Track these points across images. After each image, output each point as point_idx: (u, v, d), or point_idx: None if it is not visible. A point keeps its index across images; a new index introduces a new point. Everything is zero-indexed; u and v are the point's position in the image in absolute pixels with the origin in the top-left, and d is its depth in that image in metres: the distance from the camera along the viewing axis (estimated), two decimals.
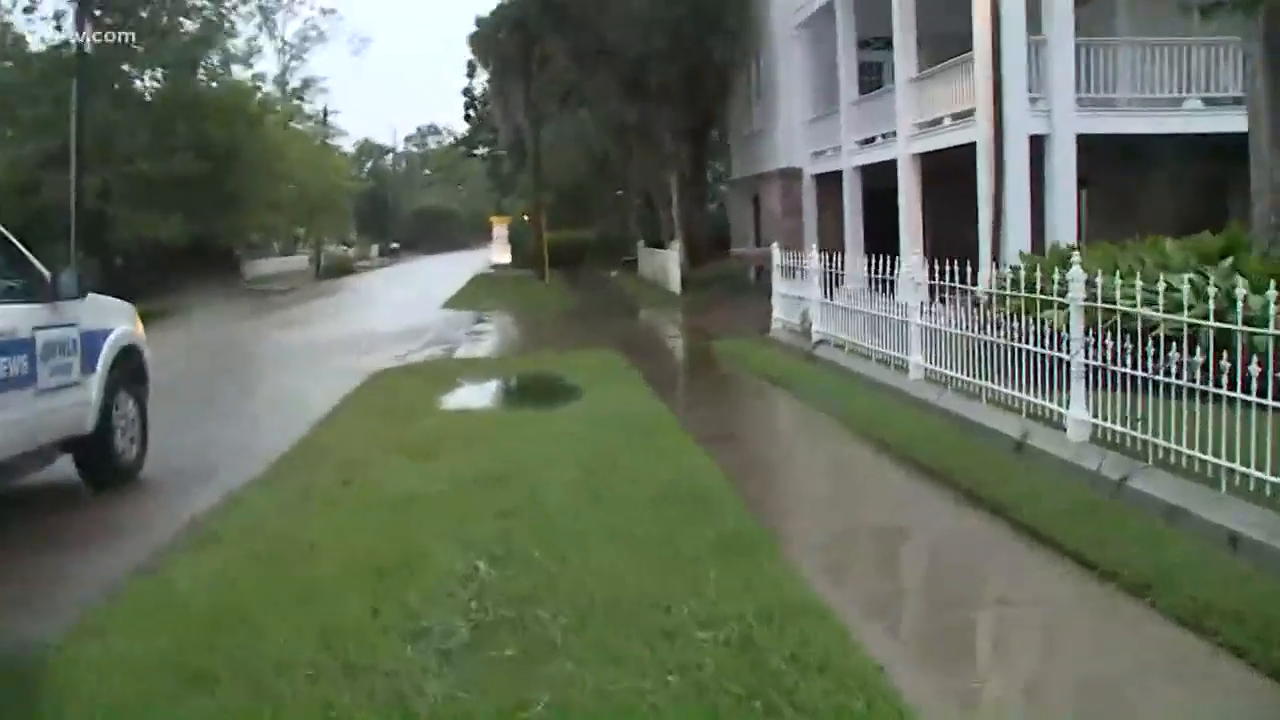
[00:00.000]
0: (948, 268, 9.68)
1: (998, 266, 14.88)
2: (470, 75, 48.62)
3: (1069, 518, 6.06)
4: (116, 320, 7.89)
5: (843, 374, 11.68)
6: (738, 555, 5.49)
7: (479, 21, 35.22)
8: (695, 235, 30.46)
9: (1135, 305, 7.04)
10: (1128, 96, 16.04)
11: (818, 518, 6.83)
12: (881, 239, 21.17)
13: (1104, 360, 7.13)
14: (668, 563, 5.38)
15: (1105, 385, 7.29)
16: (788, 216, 25.79)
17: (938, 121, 17.75)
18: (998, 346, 8.62)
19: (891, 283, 11.72)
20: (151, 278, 28.26)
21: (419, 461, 8.13)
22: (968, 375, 9.08)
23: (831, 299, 13.18)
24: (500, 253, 42.94)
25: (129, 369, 7.95)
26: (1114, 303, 7.29)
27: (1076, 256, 10.89)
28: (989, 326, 8.78)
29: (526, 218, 45.25)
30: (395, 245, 76.87)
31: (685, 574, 5.19)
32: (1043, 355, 7.92)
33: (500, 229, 43.49)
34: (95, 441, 7.43)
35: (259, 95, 38.23)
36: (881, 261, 11.71)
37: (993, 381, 8.62)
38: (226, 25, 34.63)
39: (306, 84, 50.27)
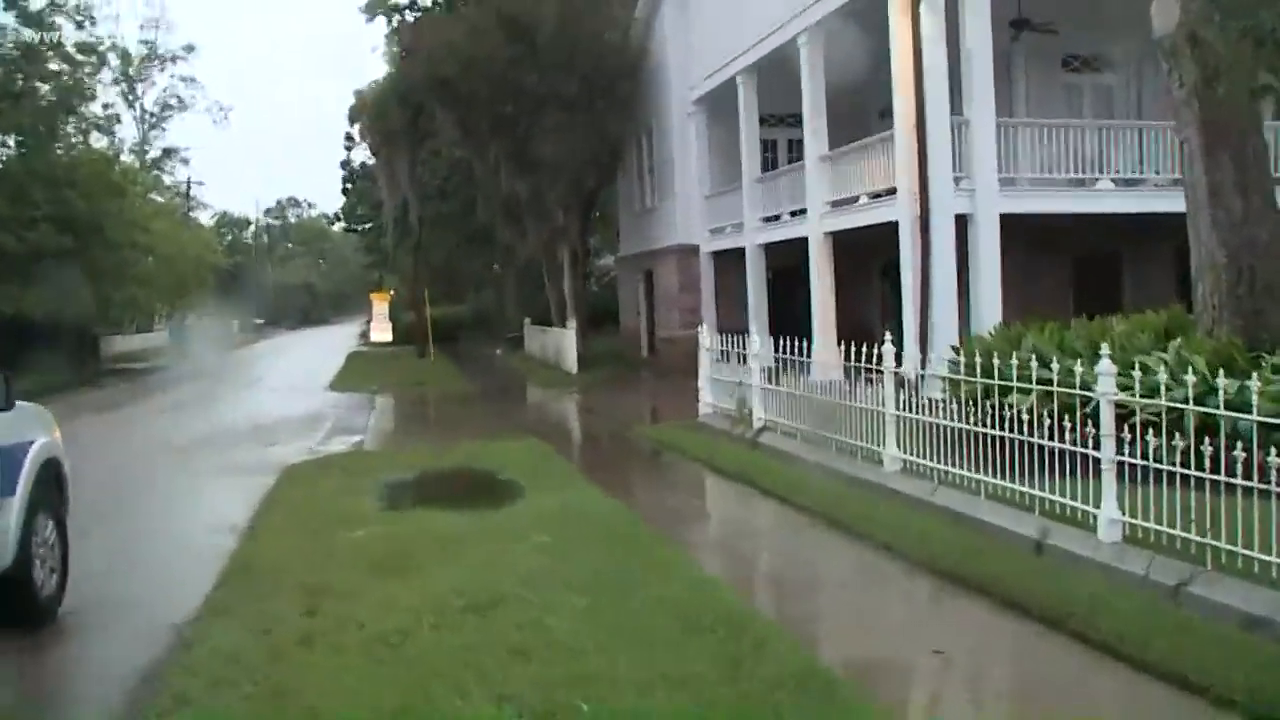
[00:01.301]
0: (865, 348, 10.13)
1: (925, 348, 14.81)
2: (348, 148, 47.49)
3: (1143, 633, 5.57)
4: (36, 430, 6.80)
5: (801, 465, 11.19)
6: (818, 700, 4.82)
7: (358, 94, 34.41)
8: (581, 310, 30.00)
9: (1136, 394, 6.80)
10: (1040, 177, 16.25)
11: (873, 646, 6.18)
12: (785, 318, 21.21)
13: (1142, 456, 6.78)
14: (750, 713, 4.67)
15: (1126, 479, 7.00)
16: (684, 293, 25.59)
17: (853, 199, 17.70)
18: (993, 439, 8.23)
19: (805, 364, 12.16)
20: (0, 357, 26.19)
21: (385, 582, 7.25)
22: (961, 469, 8.65)
23: (776, 384, 12.73)
24: (381, 330, 41.66)
25: (49, 486, 6.84)
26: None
27: (1031, 337, 10.89)
28: (985, 418, 8.38)
29: (392, 293, 44.18)
30: (259, 321, 74.18)
31: None
32: (1056, 449, 7.53)
33: (380, 306, 42.24)
34: (11, 576, 6.30)
35: (120, 165, 36.44)
36: (796, 343, 12.02)
37: (993, 475, 8.21)
38: (86, 89, 32.85)
39: (167, 154, 48.25)
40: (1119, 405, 7.17)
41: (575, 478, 11.42)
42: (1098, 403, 7.30)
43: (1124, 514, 6.93)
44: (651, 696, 4.91)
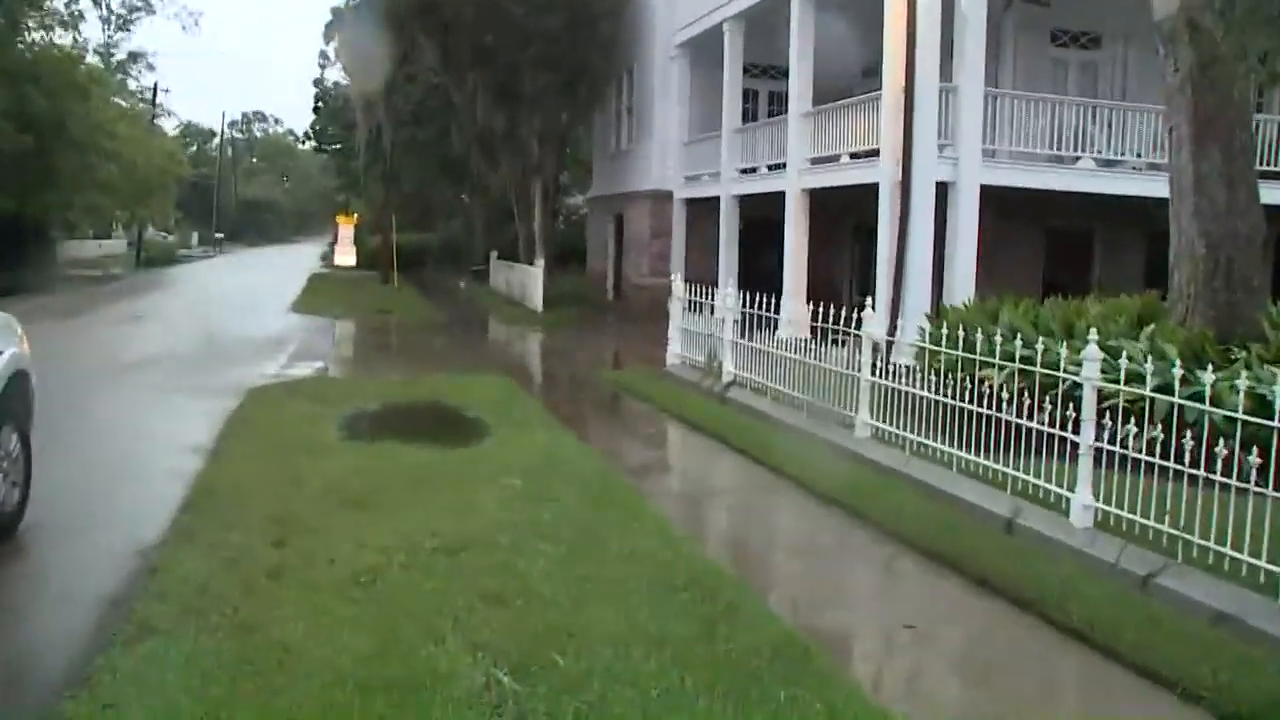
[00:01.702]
0: (834, 309, 10.10)
1: (896, 315, 14.82)
2: (322, 66, 46.43)
3: (1113, 622, 5.60)
4: (4, 339, 6.56)
5: (771, 423, 11.16)
6: (796, 668, 4.79)
7: (336, 11, 33.57)
8: (550, 249, 29.75)
9: (1121, 381, 6.79)
10: (1022, 150, 16.20)
11: (845, 618, 6.15)
12: (755, 272, 21.16)
13: (1120, 444, 6.79)
14: (727, 679, 4.63)
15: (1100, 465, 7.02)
16: (655, 239, 25.41)
17: (834, 158, 17.56)
18: (969, 413, 8.22)
19: (771, 320, 12.20)
20: None
21: (354, 517, 7.15)
22: (935, 441, 8.65)
23: (749, 339, 12.68)
24: (345, 254, 41.02)
25: (14, 397, 6.62)
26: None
27: (1006, 313, 10.90)
28: (962, 393, 8.37)
29: (358, 216, 43.55)
30: (220, 236, 72.86)
31: (755, 695, 4.46)
32: (1034, 429, 7.53)
33: (346, 229, 41.56)
34: None
35: (84, 65, 35.33)
36: (765, 298, 12.14)
37: (967, 450, 8.21)
38: None
39: (133, 58, 46.68)
40: (1103, 391, 7.17)
41: (544, 420, 11.32)
42: (1074, 385, 7.31)
43: (1098, 500, 6.95)
44: (628, 655, 4.86)
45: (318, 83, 49.38)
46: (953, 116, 15.46)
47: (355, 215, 44.19)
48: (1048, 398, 7.46)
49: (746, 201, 21.81)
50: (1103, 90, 19.54)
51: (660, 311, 19.90)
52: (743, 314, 12.84)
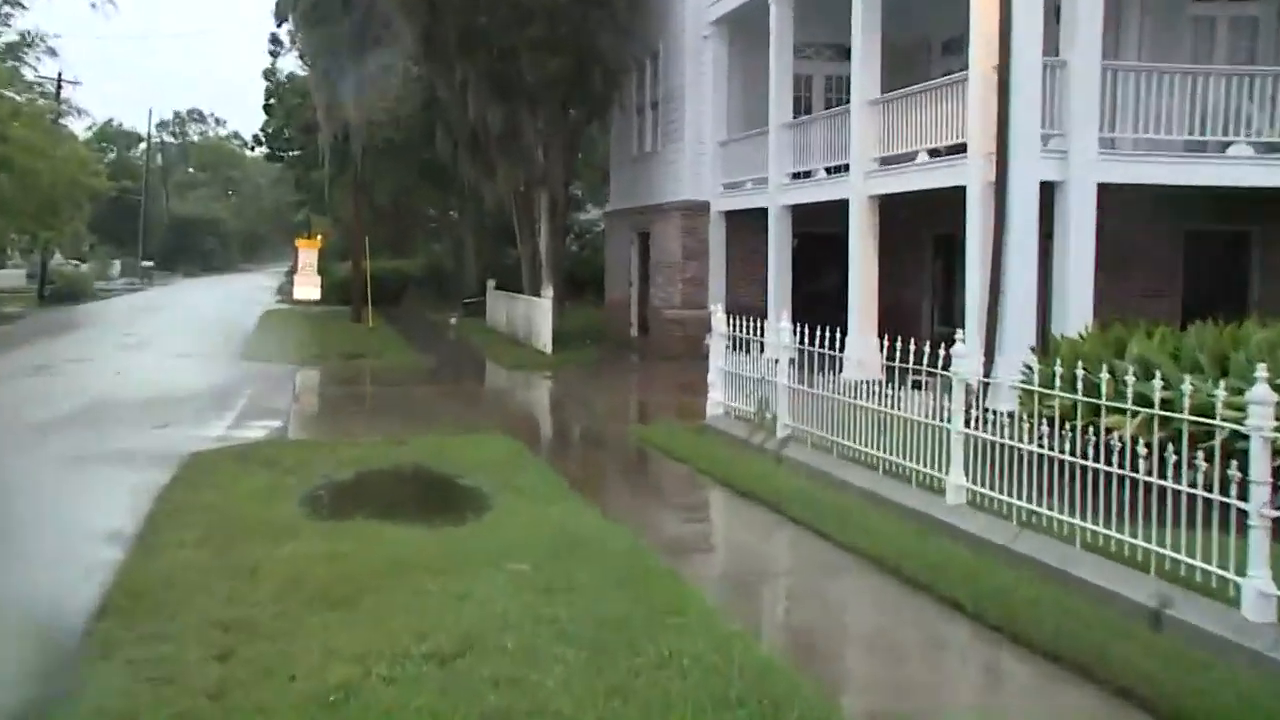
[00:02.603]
0: (913, 343, 10.05)
1: (992, 349, 14.67)
2: (274, 54, 46.77)
3: None
4: None
5: (840, 488, 11.02)
6: None
7: None
8: (558, 275, 29.85)
9: None
10: (1151, 138, 15.95)
11: None
12: (813, 300, 21.09)
13: None
14: None
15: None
16: (689, 261, 25.44)
17: (909, 157, 17.50)
18: (1094, 473, 8.02)
19: (834, 359, 12.17)
20: None
21: (321, 616, 7.04)
22: (1049, 508, 8.45)
23: (809, 384, 12.55)
24: (307, 285, 41.16)
25: None
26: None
27: (1137, 344, 10.71)
28: (1080, 445, 8.17)
29: (319, 238, 43.81)
30: (148, 264, 73.36)
31: None
32: (1183, 493, 7.32)
33: (308, 255, 41.72)
34: None
35: None
36: (827, 331, 12.11)
37: (1093, 520, 8.00)
38: None
39: (27, 41, 45.48)
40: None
41: (556, 488, 11.28)
42: (1235, 435, 7.08)
43: None
44: None
45: (269, 74, 49.70)
46: (1060, 99, 15.32)
47: (319, 237, 44.43)
48: (1199, 452, 7.24)
49: (801, 213, 21.79)
50: (1263, 54, 18.83)
51: (697, 351, 19.80)
52: (799, 352, 12.75)
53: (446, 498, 11.18)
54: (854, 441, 11.52)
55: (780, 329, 13.29)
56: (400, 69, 33.64)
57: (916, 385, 10.60)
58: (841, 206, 19.06)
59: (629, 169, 30.37)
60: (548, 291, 26.70)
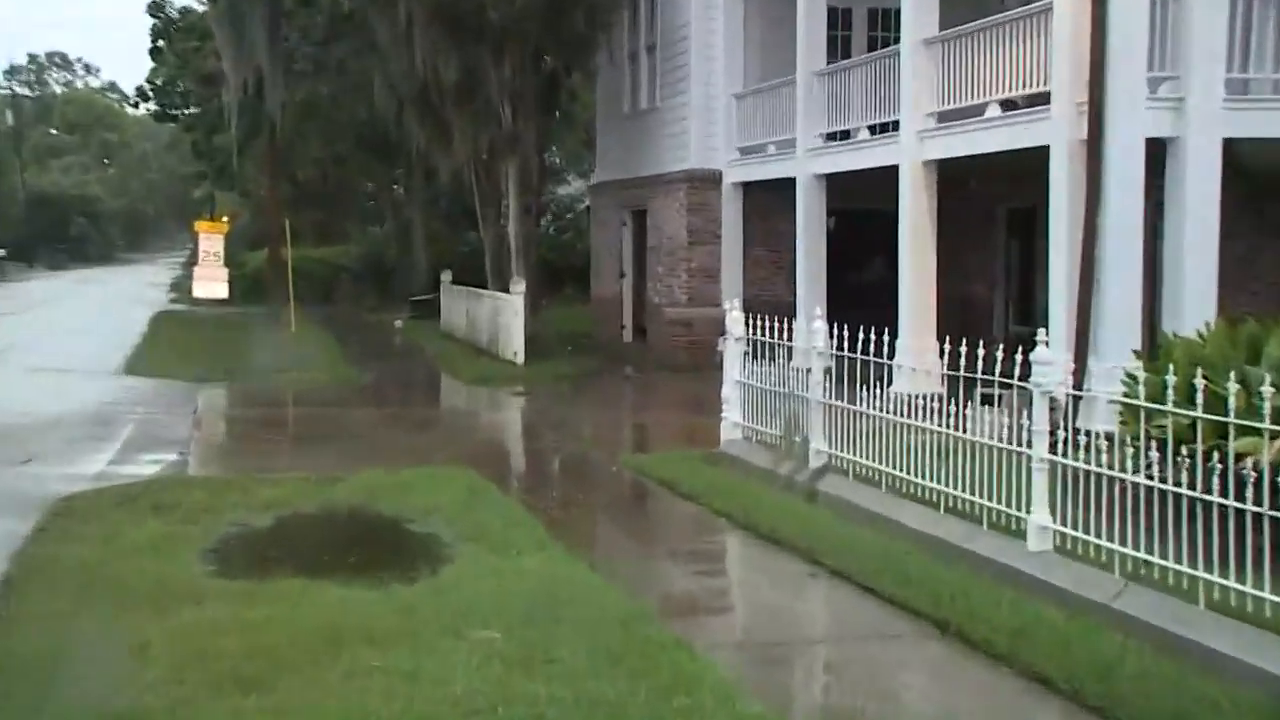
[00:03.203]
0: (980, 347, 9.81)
1: (1084, 353, 14.66)
2: None
3: None
4: None
5: (887, 529, 11.04)
6: None
7: None
8: (531, 264, 29.84)
9: None
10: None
11: None
12: (853, 293, 21.09)
13: None
14: None
15: None
16: (697, 247, 25.51)
17: (976, 111, 17.52)
18: (1220, 510, 7.99)
19: (882, 368, 12.07)
20: None
21: (233, 703, 7.01)
22: (1163, 556, 8.41)
23: (850, 400, 12.53)
24: (211, 280, 41.03)
25: None
26: None
27: (1276, 345, 10.67)
28: (1203, 476, 8.14)
29: (225, 220, 43.78)
30: (0, 253, 73.07)
31: None
32: None
33: (212, 241, 41.61)
34: None
35: None
36: (868, 335, 12.07)
37: (1219, 572, 7.96)
38: None
39: None
40: None
41: (532, 534, 11.28)
42: None
43: None
44: None
45: (156, 9, 49.51)
46: (1174, 31, 15.24)
47: (225, 219, 44.43)
48: None
49: (838, 184, 21.86)
50: None
51: (707, 360, 19.80)
52: (837, 360, 12.73)
53: (392, 548, 11.17)
54: (908, 472, 11.48)
55: (813, 331, 13.25)
56: (327, 4, 33.70)
57: (987, 400, 10.60)
58: (889, 175, 19.09)
59: (619, 131, 30.41)
60: (518, 286, 26.64)
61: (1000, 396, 10.30)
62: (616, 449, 16.72)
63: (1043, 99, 16.00)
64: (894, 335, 13.21)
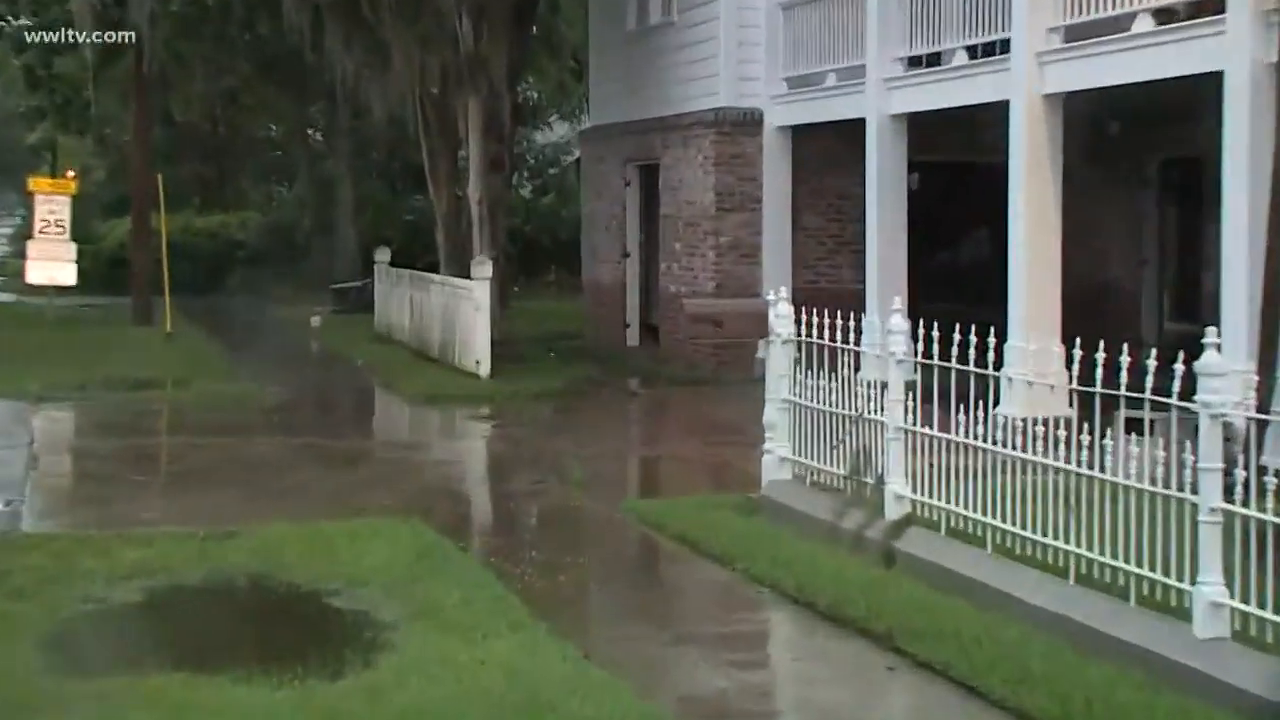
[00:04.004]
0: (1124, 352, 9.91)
1: (1272, 359, 14.64)
2: None
3: None
4: None
5: (994, 605, 10.99)
6: None
7: None
8: (501, 239, 29.90)
9: None
10: None
11: None
12: (941, 275, 21.05)
13: None
14: None
15: None
16: (729, 214, 25.49)
17: (1120, 23, 17.50)
18: None
19: (986, 381, 12.00)
20: None
21: None
22: None
23: (940, 426, 12.54)
24: (52, 260, 40.78)
25: None
26: None
27: None
28: None
29: (73, 177, 43.72)
30: None
31: None
32: None
33: (55, 206, 41.46)
34: None
35: None
36: (964, 334, 12.01)
37: None
38: None
39: None
40: None
41: (503, 608, 11.34)
42: None
43: None
44: None
45: None
46: None
47: (73, 176, 44.31)
48: None
49: (923, 127, 21.99)
50: None
51: (742, 369, 19.79)
52: (923, 368, 12.68)
53: (309, 632, 11.20)
54: (1023, 525, 11.44)
55: (891, 330, 13.24)
56: None
57: (1134, 427, 10.54)
58: (995, 115, 19.13)
59: (621, 55, 30.64)
60: (482, 269, 26.65)
61: (1153, 422, 10.23)
62: (617, 492, 16.80)
63: (1214, 5, 16.00)
64: (1001, 336, 13.20)
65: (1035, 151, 18.71)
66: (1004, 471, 11.85)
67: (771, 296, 15.50)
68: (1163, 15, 16.89)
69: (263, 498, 16.24)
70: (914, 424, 12.92)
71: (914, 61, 21.77)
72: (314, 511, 14.99)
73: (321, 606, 11.61)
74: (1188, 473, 9.87)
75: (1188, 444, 9.90)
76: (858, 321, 13.99)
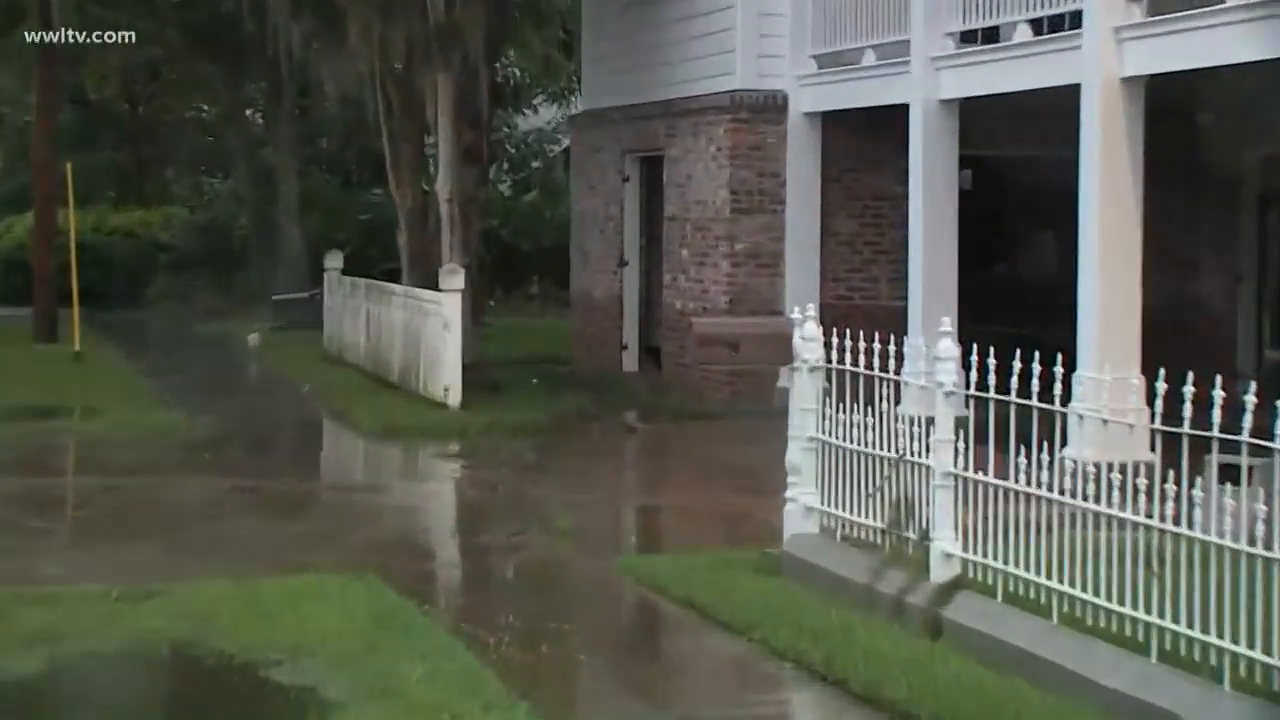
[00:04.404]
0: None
1: None
2: None
3: None
4: None
5: (1061, 686, 10.95)
6: None
7: None
8: (475, 243, 29.95)
9: None
10: None
11: None
12: (998, 292, 21.05)
13: None
14: None
15: None
16: (745, 216, 25.54)
17: None
18: None
19: (1052, 417, 11.92)
20: None
21: None
22: None
23: (995, 472, 12.51)
24: None
25: None
26: None
27: None
28: None
29: None
30: None
31: None
32: None
33: None
34: None
35: None
36: (1025, 359, 12.04)
37: None
38: None
39: None
40: None
41: (475, 685, 11.28)
42: None
43: None
44: None
45: None
46: None
47: None
48: None
49: (977, 115, 22.02)
50: None
51: (761, 400, 19.81)
52: (976, 402, 12.65)
53: (247, 711, 11.21)
54: (1094, 592, 11.44)
55: (938, 358, 13.23)
56: None
57: (1229, 476, 10.50)
58: (1063, 101, 19.16)
59: (619, 26, 30.76)
60: (453, 280, 26.68)
61: (1251, 469, 10.20)
62: (612, 547, 16.89)
63: None
64: (1070, 365, 13.16)
65: (1111, 145, 18.70)
66: (1073, 526, 11.82)
67: (796, 315, 15.47)
68: None
69: (189, 550, 16.24)
70: (965, 469, 12.90)
71: (968, 37, 21.79)
72: (251, 567, 15.00)
73: (259, 681, 11.53)
74: None
75: None
76: (898, 345, 13.93)
